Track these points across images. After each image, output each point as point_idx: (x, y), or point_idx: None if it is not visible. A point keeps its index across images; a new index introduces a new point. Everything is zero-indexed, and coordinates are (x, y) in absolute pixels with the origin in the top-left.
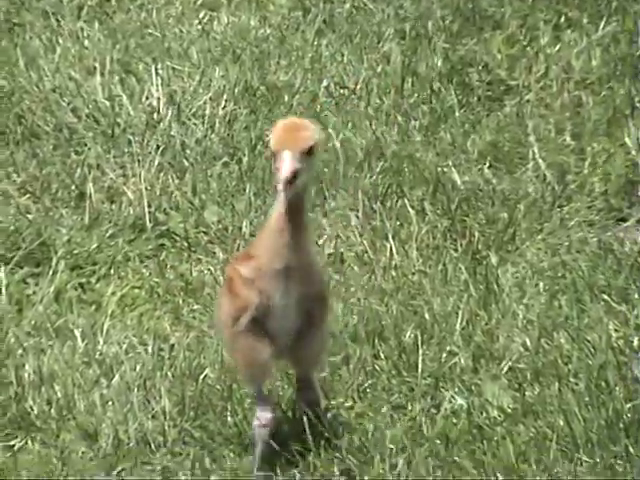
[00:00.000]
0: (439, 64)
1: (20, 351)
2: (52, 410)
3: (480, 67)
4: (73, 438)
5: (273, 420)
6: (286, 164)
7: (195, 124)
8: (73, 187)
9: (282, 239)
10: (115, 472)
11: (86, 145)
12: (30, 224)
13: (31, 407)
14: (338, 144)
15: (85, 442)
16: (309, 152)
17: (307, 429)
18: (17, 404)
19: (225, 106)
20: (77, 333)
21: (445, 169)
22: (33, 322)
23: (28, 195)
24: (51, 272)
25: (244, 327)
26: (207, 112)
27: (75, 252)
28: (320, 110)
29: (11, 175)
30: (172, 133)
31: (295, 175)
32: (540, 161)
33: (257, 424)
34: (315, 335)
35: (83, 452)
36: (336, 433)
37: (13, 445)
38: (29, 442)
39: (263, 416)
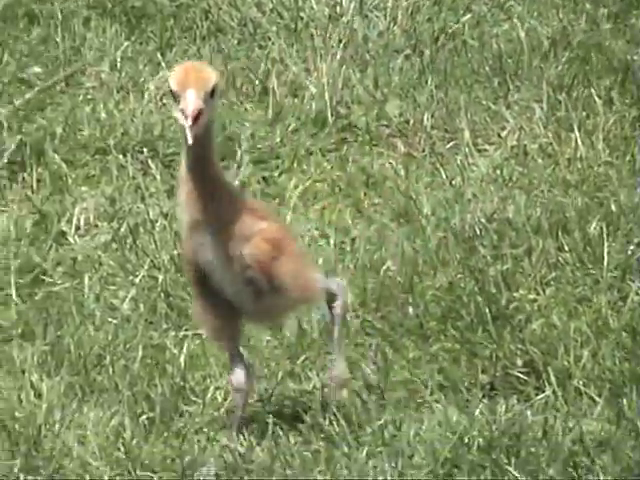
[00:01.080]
0: None
1: None
2: None
3: None
4: None
5: (249, 382)
6: (191, 102)
7: (377, 17)
8: (257, 82)
9: (187, 189)
10: (299, 361)
11: (270, 39)
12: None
13: None
14: (523, 34)
15: (269, 331)
16: (211, 94)
17: (490, 321)
18: None
19: None
20: None
21: (635, 57)
22: None
23: None
24: (236, 166)
25: (192, 283)
26: (389, 4)
27: (259, 146)
28: None
29: None
30: (354, 26)
31: (200, 114)
32: None
33: (232, 388)
34: (275, 297)
35: (267, 341)
36: (519, 325)
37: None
38: None
39: (235, 379)
